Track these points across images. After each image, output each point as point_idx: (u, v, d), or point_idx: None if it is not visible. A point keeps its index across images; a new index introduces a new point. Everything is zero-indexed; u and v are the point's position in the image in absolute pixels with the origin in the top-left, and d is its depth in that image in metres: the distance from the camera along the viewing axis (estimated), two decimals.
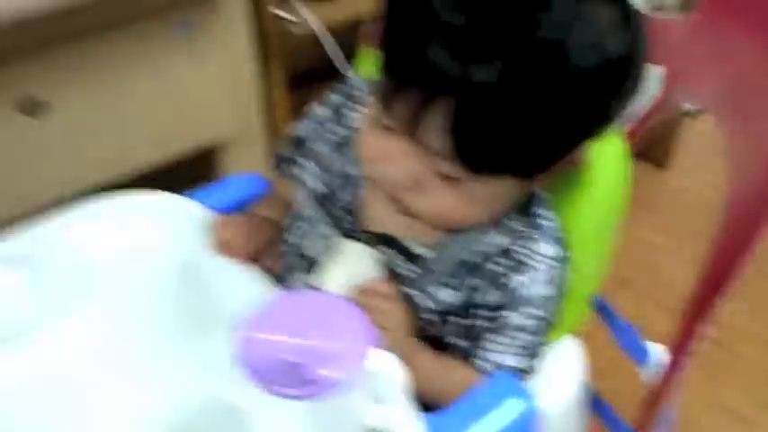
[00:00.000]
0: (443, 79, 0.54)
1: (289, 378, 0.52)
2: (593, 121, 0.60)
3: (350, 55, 0.95)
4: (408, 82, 0.56)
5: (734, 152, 0.69)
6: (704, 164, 1.86)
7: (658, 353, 0.82)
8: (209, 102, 1.07)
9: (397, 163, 0.60)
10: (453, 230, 0.67)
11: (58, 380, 0.66)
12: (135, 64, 1.00)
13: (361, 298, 0.63)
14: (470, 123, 0.55)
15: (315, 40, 1.12)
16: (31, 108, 0.97)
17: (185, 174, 1.12)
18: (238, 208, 0.84)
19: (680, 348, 0.71)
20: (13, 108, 0.97)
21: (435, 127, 0.56)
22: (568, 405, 0.74)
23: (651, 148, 1.92)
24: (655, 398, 0.76)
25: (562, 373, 0.74)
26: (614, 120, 0.61)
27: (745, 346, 1.51)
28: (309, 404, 0.53)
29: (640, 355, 0.83)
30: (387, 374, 0.55)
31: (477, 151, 0.57)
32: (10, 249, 0.75)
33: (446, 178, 0.60)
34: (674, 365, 0.73)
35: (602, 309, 0.87)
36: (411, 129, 0.58)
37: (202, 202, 0.81)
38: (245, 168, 1.16)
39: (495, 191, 0.62)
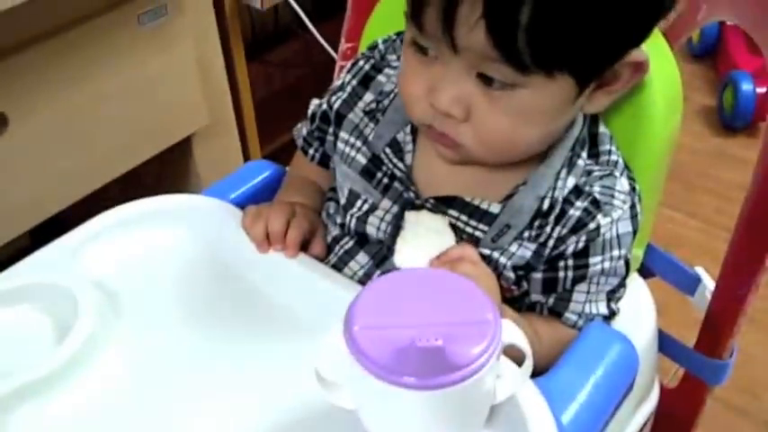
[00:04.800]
0: None
1: (423, 366, 0.47)
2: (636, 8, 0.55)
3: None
4: None
5: None
6: None
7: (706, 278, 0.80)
8: (184, 92, 0.98)
9: (443, 89, 0.57)
10: (519, 172, 0.63)
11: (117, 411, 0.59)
12: (100, 62, 0.90)
13: (446, 268, 0.58)
14: (503, 3, 0.51)
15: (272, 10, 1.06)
16: None
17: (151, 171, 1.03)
18: (256, 200, 0.77)
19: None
20: None
21: (471, 17, 0.52)
22: (650, 341, 0.72)
23: None
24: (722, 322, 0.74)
25: (640, 310, 0.72)
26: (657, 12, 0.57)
27: None
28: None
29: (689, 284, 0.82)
30: (517, 343, 0.50)
31: (514, 37, 0.52)
32: (19, 282, 0.66)
33: (494, 96, 0.56)
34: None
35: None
36: (447, 27, 0.53)
37: (221, 198, 0.74)
38: (219, 158, 1.08)
39: (546, 102, 0.57)
